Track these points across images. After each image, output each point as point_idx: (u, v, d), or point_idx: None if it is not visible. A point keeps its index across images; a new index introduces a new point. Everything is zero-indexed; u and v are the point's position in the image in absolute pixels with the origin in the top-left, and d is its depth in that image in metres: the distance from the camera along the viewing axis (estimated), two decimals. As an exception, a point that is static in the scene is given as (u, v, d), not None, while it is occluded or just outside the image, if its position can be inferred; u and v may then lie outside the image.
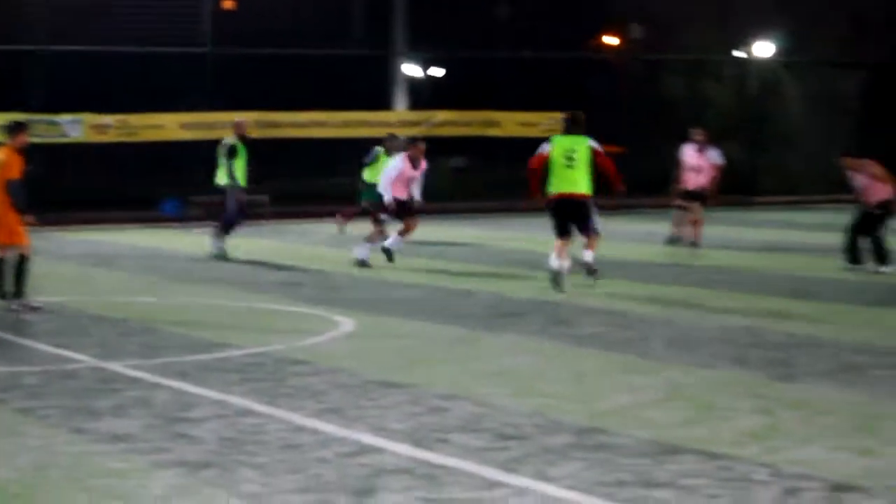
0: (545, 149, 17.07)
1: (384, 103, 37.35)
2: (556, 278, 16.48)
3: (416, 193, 21.01)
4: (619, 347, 12.15)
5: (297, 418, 9.12)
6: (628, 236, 25.51)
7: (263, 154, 33.50)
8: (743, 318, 14.02)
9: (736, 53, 42.45)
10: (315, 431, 8.73)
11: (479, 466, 7.77)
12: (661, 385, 10.21)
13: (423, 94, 40.29)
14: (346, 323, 13.86)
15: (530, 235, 24.02)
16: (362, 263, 19.81)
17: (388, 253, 20.01)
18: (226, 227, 21.95)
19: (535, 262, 20.69)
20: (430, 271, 19.65)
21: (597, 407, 9.43)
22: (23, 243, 14.96)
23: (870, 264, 18.63)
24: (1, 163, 14.75)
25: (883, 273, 18.33)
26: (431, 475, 7.61)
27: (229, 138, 22.41)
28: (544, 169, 17.01)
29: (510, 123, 35.27)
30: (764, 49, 41.76)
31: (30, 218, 14.98)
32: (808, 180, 40.20)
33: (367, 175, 25.05)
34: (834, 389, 10.02)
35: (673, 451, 8.07)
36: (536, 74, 40.61)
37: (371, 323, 13.96)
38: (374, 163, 25.01)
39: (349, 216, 26.78)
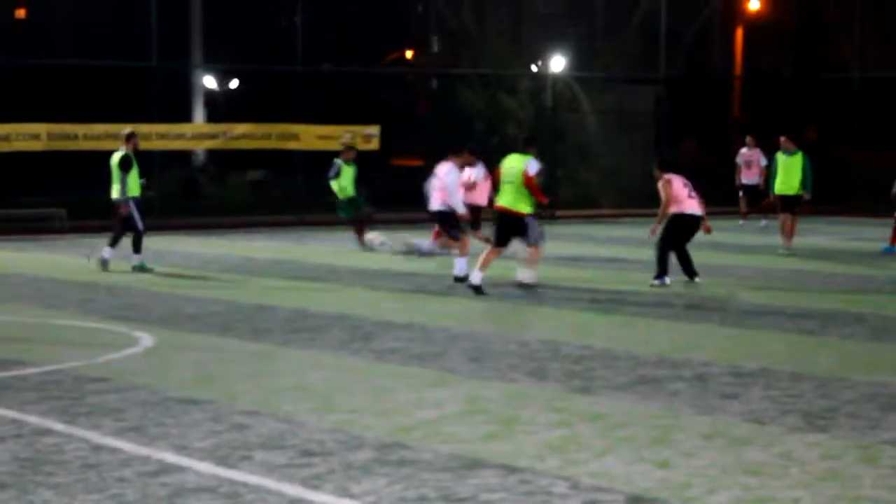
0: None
1: (184, 116, 37.01)
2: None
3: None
4: (420, 362, 12.21)
5: (97, 437, 8.97)
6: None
7: (57, 167, 33.04)
8: (542, 332, 14.21)
9: (532, 68, 43.02)
10: (115, 450, 8.59)
11: (281, 483, 7.74)
12: (462, 399, 10.28)
13: (221, 107, 40.04)
14: (144, 338, 13.67)
15: (328, 248, 23.95)
16: (462, 279, 19.20)
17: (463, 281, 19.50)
18: (137, 241, 21.48)
19: (335, 275, 20.70)
20: (229, 286, 19.49)
21: (399, 422, 9.46)
22: None
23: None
24: None
25: (654, 286, 18.67)
26: (234, 493, 7.55)
27: (121, 150, 21.85)
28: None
29: (309, 136, 35.14)
30: (558, 64, 42.40)
31: None
32: (604, 194, 40.94)
33: (337, 189, 25.55)
34: (632, 402, 10.20)
35: (474, 465, 8.14)
36: (335, 88, 40.68)
37: (170, 338, 13.79)
38: (337, 176, 25.61)
39: (362, 231, 26.74)
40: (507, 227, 18.38)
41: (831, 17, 48.72)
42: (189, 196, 36.89)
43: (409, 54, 47.78)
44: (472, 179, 22.45)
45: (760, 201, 32.56)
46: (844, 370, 11.70)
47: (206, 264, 22.77)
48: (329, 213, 28.61)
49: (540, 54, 42.52)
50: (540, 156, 19.02)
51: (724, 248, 25.64)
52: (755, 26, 48.53)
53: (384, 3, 42.87)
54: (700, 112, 45.05)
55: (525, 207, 18.25)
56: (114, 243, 21.65)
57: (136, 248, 21.52)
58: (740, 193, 33.74)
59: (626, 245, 27.73)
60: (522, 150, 18.58)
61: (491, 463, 8.20)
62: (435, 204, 20.45)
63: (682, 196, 19.63)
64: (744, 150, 33.77)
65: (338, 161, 26.33)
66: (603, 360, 12.19)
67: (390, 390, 10.74)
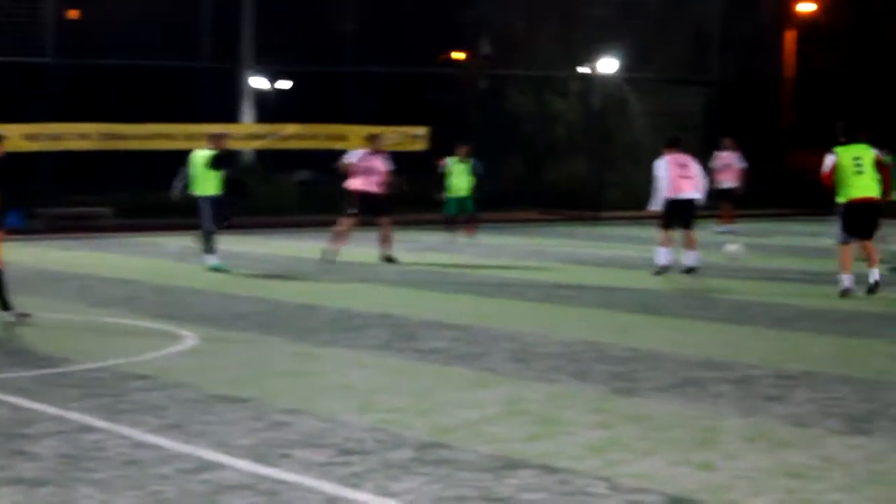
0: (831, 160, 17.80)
1: (231, 116, 37.14)
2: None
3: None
4: (463, 362, 12.18)
5: (138, 434, 9.00)
6: (473, 250, 25.70)
7: (105, 166, 33.23)
8: (586, 333, 14.16)
9: (581, 70, 42.92)
10: (156, 447, 8.61)
11: (320, 482, 7.74)
12: (504, 400, 10.25)
13: (271, 108, 40.16)
14: (188, 337, 13.72)
15: (374, 249, 23.95)
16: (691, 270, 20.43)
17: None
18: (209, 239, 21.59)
19: (379, 275, 20.73)
20: (275, 285, 19.54)
21: (439, 422, 9.44)
22: None
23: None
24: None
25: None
26: (273, 491, 7.55)
27: (207, 149, 21.96)
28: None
29: (356, 137, 35.17)
30: (608, 66, 42.29)
31: None
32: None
33: (448, 186, 26.93)
34: (675, 404, 10.15)
35: (514, 465, 8.11)
36: (383, 89, 40.72)
37: (214, 337, 13.83)
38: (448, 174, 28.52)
39: (473, 229, 27.93)
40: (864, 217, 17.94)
41: (883, 17, 48.32)
42: (236, 196, 37.08)
43: (458, 56, 47.73)
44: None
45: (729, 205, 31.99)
46: (889, 373, 11.60)
47: (253, 263, 22.83)
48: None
49: (591, 56, 42.41)
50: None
51: (771, 249, 25.47)
52: (808, 28, 48.18)
53: (434, 5, 42.89)
54: (752, 114, 44.82)
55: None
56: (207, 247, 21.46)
57: (210, 247, 21.36)
58: (720, 199, 32.12)
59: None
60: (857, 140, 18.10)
61: (531, 463, 8.16)
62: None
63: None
64: (721, 153, 32.70)
65: (449, 159, 27.71)
66: (647, 362, 12.13)
67: (432, 390, 10.73)
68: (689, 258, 20.88)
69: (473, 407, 9.98)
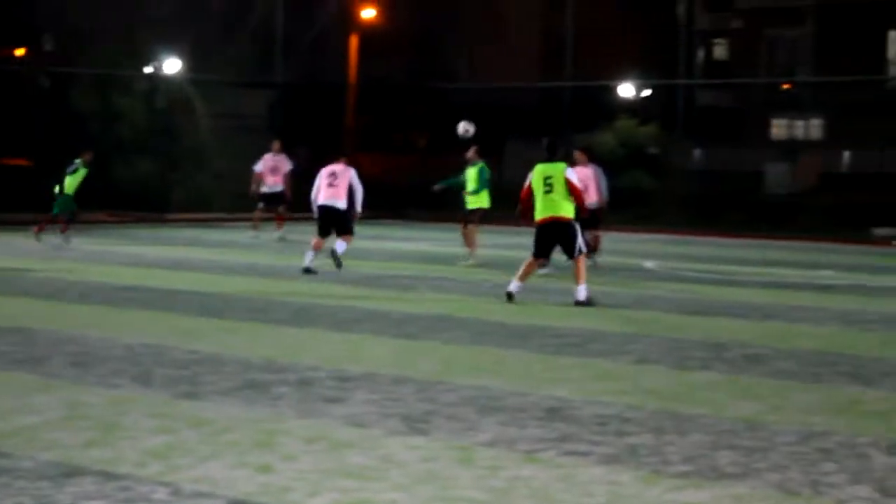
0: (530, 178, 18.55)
1: None
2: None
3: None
4: (22, 367, 11.89)
5: None
6: (83, 255, 25.09)
7: None
8: (149, 337, 14.05)
9: (146, 69, 42.51)
10: None
11: None
12: (64, 405, 10.07)
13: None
14: None
15: None
16: None
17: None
18: None
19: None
20: None
21: (-3, 429, 9.21)
22: None
23: None
24: None
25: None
26: None
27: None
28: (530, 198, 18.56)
29: None
30: (172, 66, 42.04)
31: None
32: (217, 198, 40.82)
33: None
34: (237, 406, 10.21)
35: (73, 472, 7.98)
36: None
37: None
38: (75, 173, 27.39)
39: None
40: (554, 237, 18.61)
41: (443, 28, 49.92)
42: None
43: (19, 52, 46.45)
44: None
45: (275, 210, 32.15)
46: (445, 373, 12.02)
47: None
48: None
49: (155, 56, 42.07)
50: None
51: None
52: (370, 34, 49.25)
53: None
54: (315, 118, 45.47)
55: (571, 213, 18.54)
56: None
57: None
58: (260, 204, 32.36)
59: (235, 248, 27.84)
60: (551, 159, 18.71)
61: (90, 470, 8.06)
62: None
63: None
64: (267, 156, 32.45)
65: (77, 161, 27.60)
66: (209, 366, 12.16)
67: (-11, 397, 10.43)
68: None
69: (32, 412, 9.76)
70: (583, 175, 22.24)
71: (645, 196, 44.28)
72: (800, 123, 49.03)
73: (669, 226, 40.40)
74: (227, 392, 10.83)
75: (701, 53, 53.48)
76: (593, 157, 25.63)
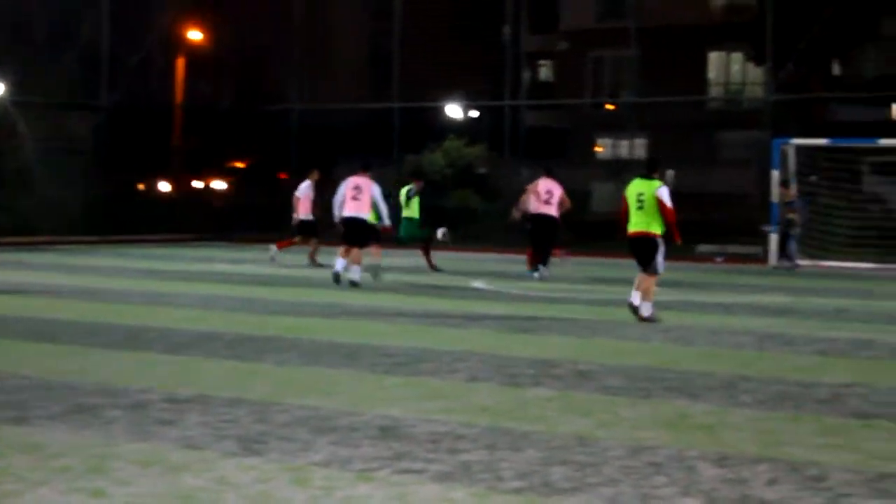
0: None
1: None
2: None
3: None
4: None
5: None
6: None
7: None
8: (-25, 363, 13.81)
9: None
10: None
11: None
12: None
13: None
14: None
15: None
16: None
17: None
18: None
19: None
20: None
21: None
22: None
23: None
24: None
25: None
26: None
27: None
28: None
29: None
30: (-6, 88, 41.38)
31: None
32: (42, 221, 40.19)
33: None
34: (67, 432, 10.08)
35: None
36: None
37: None
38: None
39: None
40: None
41: (271, 51, 49.81)
42: None
43: None
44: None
45: None
46: (278, 394, 12.02)
47: None
48: None
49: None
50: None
51: (165, 274, 25.73)
52: (197, 56, 48.98)
53: None
54: (141, 140, 45.04)
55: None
56: None
57: None
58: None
59: (60, 272, 27.49)
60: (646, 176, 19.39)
61: (-82, 499, 7.91)
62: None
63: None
64: (304, 185, 32.42)
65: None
66: (39, 391, 11.99)
67: None
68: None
69: None
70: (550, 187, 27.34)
71: (473, 215, 44.69)
72: (624, 143, 49.82)
73: (498, 245, 40.79)
74: (58, 417, 10.69)
75: (527, 74, 54.06)
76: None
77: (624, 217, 19.48)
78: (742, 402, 12.00)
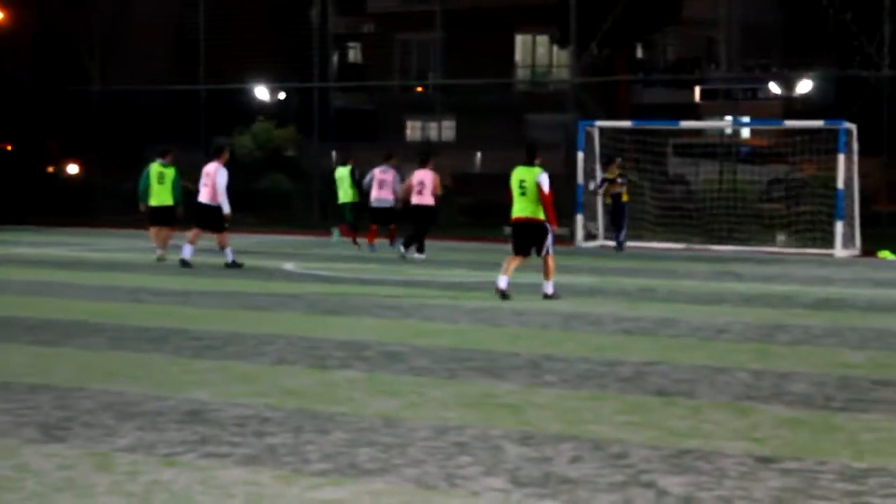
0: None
1: None
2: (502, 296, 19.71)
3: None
4: None
5: None
6: None
7: None
8: None
9: None
10: None
11: None
12: None
13: None
14: None
15: None
16: None
17: None
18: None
19: None
20: None
21: None
22: None
23: None
24: None
25: None
26: None
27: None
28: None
29: None
30: None
31: None
32: None
33: None
34: None
35: None
36: None
37: None
38: None
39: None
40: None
41: (72, 31, 48.92)
42: None
43: None
44: None
45: None
46: (82, 380, 11.84)
47: None
48: None
49: None
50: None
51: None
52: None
53: None
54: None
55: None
56: None
57: None
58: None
59: None
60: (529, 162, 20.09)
61: None
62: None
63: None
64: (376, 170, 31.46)
65: None
66: None
67: None
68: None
69: None
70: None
71: (283, 197, 44.50)
72: (433, 125, 50.04)
73: (307, 227, 40.70)
74: None
75: (335, 57, 53.99)
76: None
77: (509, 203, 20.25)
78: (547, 382, 12.17)
